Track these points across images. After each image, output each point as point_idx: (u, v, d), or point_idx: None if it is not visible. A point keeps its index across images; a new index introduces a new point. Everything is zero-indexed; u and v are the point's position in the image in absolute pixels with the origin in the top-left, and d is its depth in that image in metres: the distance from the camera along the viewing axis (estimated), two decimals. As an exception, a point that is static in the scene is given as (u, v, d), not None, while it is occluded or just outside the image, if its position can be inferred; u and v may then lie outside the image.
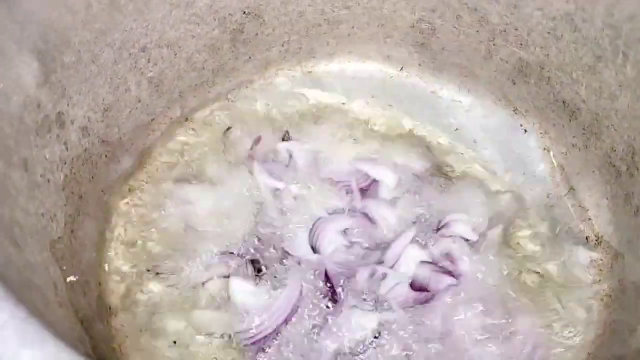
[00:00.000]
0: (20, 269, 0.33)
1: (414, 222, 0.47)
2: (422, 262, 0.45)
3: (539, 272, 0.46)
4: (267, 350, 0.42)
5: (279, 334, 0.42)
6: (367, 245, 0.47)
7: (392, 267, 0.45)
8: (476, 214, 0.47)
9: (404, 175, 0.50)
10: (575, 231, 0.48)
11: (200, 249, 0.46)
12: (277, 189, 0.49)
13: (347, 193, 0.49)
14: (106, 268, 0.45)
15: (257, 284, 0.44)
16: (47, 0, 0.39)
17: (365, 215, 0.48)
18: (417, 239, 0.46)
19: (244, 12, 0.53)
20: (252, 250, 0.47)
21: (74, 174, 0.44)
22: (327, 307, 0.44)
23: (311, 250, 0.46)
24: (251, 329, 0.42)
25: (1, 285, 0.26)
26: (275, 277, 0.45)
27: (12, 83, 0.37)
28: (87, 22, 0.43)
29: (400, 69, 0.58)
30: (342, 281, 0.45)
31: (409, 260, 0.45)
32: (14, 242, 0.33)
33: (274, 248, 0.47)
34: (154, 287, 0.45)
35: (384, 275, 0.44)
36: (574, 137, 0.50)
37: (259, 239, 0.47)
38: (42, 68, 0.40)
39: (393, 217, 0.47)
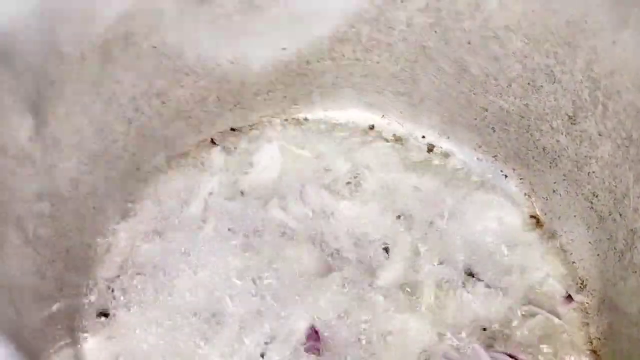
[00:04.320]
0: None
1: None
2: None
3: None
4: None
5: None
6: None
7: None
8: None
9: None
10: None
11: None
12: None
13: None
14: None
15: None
16: (44, 52, 0.39)
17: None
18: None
19: (232, 62, 0.53)
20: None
21: (64, 227, 0.43)
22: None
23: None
24: None
25: None
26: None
27: (8, 136, 0.36)
28: (81, 74, 0.42)
29: (381, 116, 0.59)
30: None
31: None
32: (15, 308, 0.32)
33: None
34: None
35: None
36: (554, 182, 0.52)
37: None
38: (35, 121, 0.39)
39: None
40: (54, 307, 0.38)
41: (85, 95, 0.44)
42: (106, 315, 0.44)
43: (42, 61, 0.39)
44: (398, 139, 0.58)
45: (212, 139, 0.56)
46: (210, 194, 0.53)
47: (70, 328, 0.40)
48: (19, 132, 0.37)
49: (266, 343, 0.45)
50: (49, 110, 0.40)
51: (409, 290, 0.48)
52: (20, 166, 0.38)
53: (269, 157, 0.56)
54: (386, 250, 0.50)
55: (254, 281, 0.47)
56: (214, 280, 0.47)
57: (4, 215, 0.35)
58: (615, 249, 0.46)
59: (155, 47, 0.47)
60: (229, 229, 0.50)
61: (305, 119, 0.59)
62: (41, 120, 0.40)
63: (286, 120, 0.58)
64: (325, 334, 0.45)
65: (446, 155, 0.57)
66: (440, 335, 0.46)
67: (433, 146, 0.57)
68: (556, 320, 0.47)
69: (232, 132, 0.57)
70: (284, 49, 0.54)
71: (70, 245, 0.43)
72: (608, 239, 0.47)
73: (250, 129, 0.57)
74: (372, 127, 0.59)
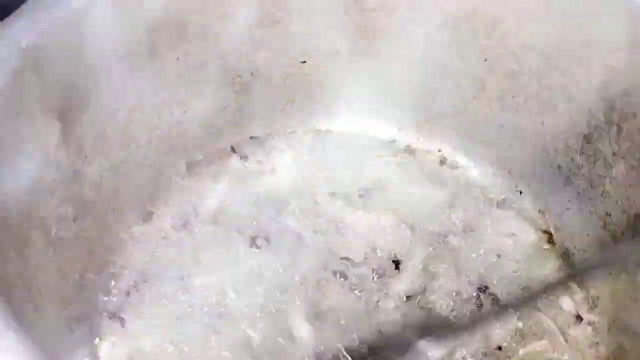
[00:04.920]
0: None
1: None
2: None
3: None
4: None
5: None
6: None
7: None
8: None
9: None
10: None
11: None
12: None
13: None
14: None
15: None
16: (72, 62, 0.40)
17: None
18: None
19: (252, 73, 0.54)
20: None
21: (85, 230, 0.44)
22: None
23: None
24: None
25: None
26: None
27: (36, 143, 0.38)
28: (107, 83, 0.44)
29: (398, 129, 0.60)
30: None
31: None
32: (35, 306, 0.33)
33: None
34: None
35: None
36: (568, 200, 0.52)
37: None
38: (62, 128, 0.40)
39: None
40: (73, 308, 0.40)
41: (109, 104, 0.45)
42: (122, 318, 0.45)
43: (70, 71, 0.40)
44: (412, 152, 0.59)
45: (232, 147, 0.57)
46: (226, 200, 0.54)
47: (88, 329, 0.41)
48: (47, 139, 0.39)
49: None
50: (76, 119, 0.42)
51: (418, 304, 0.49)
52: (46, 171, 0.39)
53: (286, 166, 0.57)
54: (397, 263, 0.51)
55: (265, 286, 0.48)
56: (226, 285, 0.48)
57: (28, 218, 0.36)
58: (627, 269, 0.47)
59: (178, 59, 0.49)
60: (243, 235, 0.52)
61: (323, 130, 0.60)
62: (68, 128, 0.41)
63: (304, 131, 0.60)
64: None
65: (461, 169, 0.58)
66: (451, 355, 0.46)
67: (446, 159, 0.58)
68: (565, 338, 0.47)
69: (251, 140, 0.58)
70: (303, 62, 0.55)
71: (90, 248, 0.45)
72: (620, 258, 0.47)
73: (268, 139, 0.59)
74: (392, 141, 0.59)
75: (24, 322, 0.29)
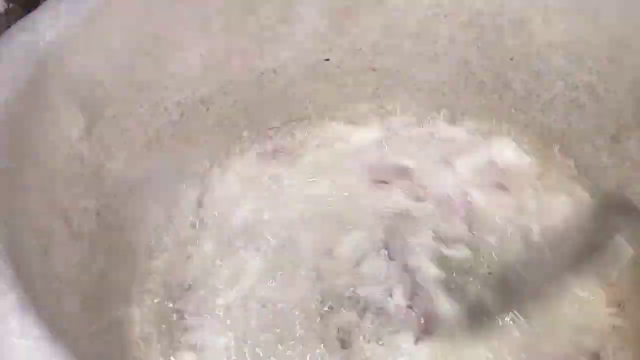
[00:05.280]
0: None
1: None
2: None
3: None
4: None
5: None
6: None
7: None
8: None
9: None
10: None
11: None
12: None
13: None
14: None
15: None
16: (94, 57, 0.41)
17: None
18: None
19: (274, 71, 0.54)
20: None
21: (107, 224, 0.45)
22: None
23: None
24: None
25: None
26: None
27: (60, 135, 0.38)
28: (130, 79, 0.44)
29: (421, 126, 0.59)
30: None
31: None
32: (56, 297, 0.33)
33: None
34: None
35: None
36: (595, 203, 0.51)
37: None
38: (86, 121, 0.41)
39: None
40: (95, 301, 0.40)
41: (133, 99, 0.45)
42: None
43: (93, 65, 0.41)
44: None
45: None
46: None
47: (107, 319, 0.41)
48: (71, 131, 0.39)
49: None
50: (99, 112, 0.42)
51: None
52: (70, 164, 0.40)
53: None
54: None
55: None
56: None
57: (52, 210, 0.37)
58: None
59: (202, 55, 0.49)
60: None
61: (345, 129, 0.59)
62: (91, 122, 0.42)
63: (327, 130, 0.59)
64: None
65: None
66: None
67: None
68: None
69: (272, 140, 0.58)
70: (326, 59, 0.55)
71: (112, 242, 0.45)
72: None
73: (291, 139, 0.58)
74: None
75: (44, 311, 0.29)
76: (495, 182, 0.54)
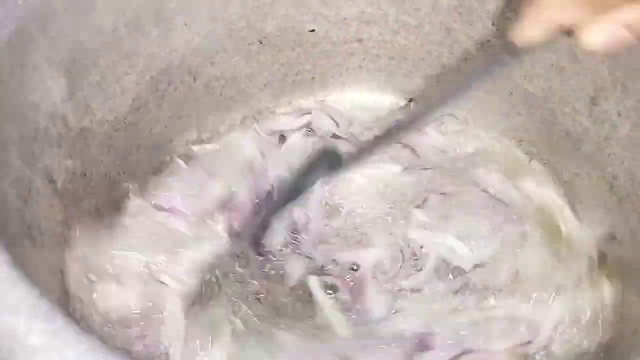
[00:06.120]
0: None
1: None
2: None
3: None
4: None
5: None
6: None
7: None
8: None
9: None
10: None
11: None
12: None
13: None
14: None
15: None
16: (78, 22, 0.42)
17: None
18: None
19: (261, 42, 0.55)
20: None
21: (93, 187, 0.46)
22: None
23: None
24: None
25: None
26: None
27: (42, 95, 0.40)
28: (114, 45, 0.45)
29: (410, 100, 0.60)
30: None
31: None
32: (32, 241, 0.35)
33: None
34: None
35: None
36: (577, 167, 0.51)
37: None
38: (69, 84, 0.42)
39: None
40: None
41: (118, 66, 0.47)
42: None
43: (77, 30, 0.42)
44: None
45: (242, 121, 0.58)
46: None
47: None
48: (53, 92, 0.41)
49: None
50: (83, 77, 0.44)
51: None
52: (53, 124, 0.41)
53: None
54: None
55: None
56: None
57: (33, 163, 0.38)
58: (635, 235, 0.46)
59: (186, 25, 0.50)
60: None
61: (333, 101, 0.60)
62: (75, 85, 0.43)
63: (315, 102, 0.60)
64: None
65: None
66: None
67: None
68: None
69: (262, 115, 0.59)
70: (312, 30, 0.56)
71: (99, 204, 0.47)
72: (625, 221, 0.46)
73: (278, 112, 0.59)
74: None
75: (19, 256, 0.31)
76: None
